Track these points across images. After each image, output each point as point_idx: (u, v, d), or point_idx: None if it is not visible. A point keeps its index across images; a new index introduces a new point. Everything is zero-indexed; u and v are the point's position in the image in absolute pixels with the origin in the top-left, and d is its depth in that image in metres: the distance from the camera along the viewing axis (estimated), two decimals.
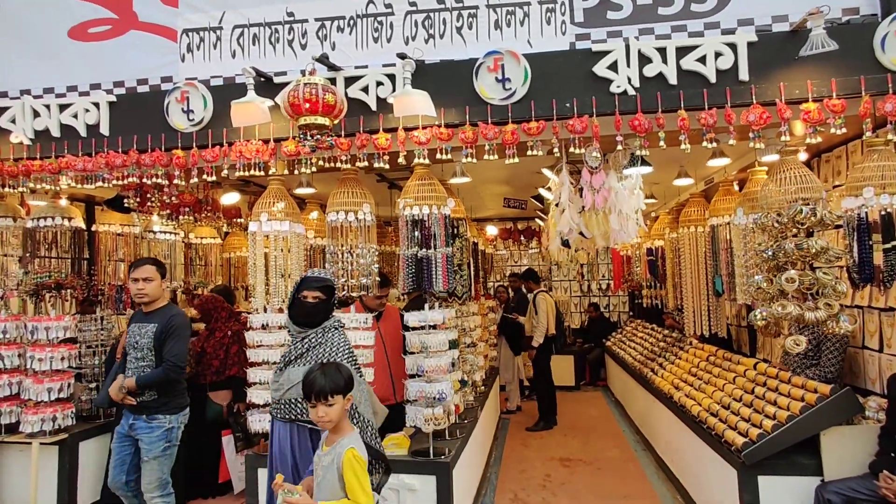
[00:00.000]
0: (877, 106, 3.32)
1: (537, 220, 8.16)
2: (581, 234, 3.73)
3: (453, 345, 3.98)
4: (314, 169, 3.74)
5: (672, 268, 5.75)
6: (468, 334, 5.03)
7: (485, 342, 5.95)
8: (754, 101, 3.41)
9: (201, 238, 6.43)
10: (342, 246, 3.76)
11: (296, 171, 3.87)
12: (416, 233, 3.67)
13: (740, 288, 4.01)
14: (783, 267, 3.36)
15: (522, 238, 9.23)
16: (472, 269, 4.86)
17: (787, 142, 3.38)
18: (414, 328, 3.66)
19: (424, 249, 3.67)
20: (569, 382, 9.48)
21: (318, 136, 3.26)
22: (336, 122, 3.39)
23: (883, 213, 3.22)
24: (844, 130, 3.32)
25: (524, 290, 7.71)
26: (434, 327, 3.74)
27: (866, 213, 3.26)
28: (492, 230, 8.96)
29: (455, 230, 4.36)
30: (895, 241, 3.19)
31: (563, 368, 9.18)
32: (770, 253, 3.32)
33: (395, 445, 3.70)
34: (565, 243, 3.90)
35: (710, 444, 3.95)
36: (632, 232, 3.54)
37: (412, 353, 3.64)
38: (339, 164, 3.82)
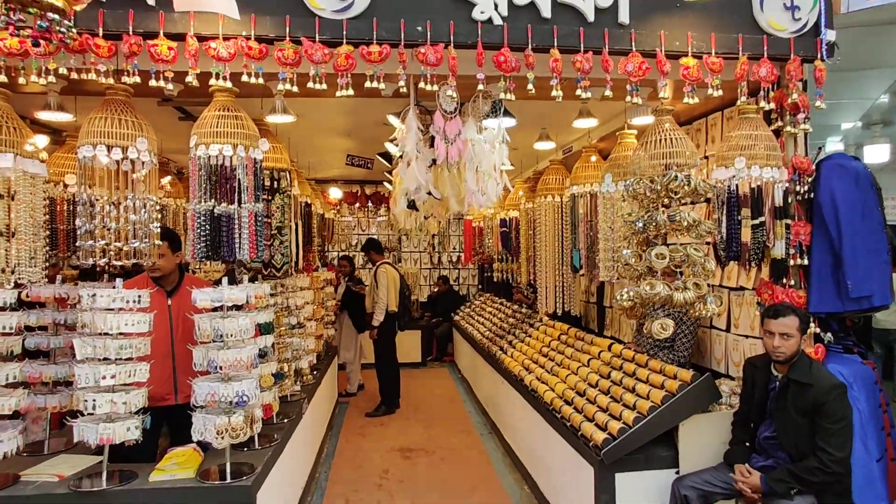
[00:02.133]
0: (752, 70, 3.03)
1: (385, 184, 7.39)
2: (430, 194, 3.03)
3: (266, 329, 3.08)
4: (51, 79, 2.55)
5: (526, 240, 5.36)
6: (293, 313, 4.13)
7: (318, 321, 5.08)
8: (633, 49, 2.94)
9: None
10: (102, 196, 2.64)
11: (22, 81, 2.64)
12: (213, 181, 2.68)
13: (603, 264, 3.63)
14: (652, 241, 2.98)
15: (370, 204, 8.42)
16: (298, 234, 3.95)
17: (664, 99, 2.97)
18: (206, 310, 2.69)
19: (224, 204, 2.70)
20: (415, 359, 9.00)
21: (48, 22, 2.11)
22: (80, 6, 2.25)
23: (753, 186, 2.95)
24: (721, 93, 2.99)
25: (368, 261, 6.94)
26: (238, 308, 2.82)
27: (737, 185, 2.98)
28: (336, 193, 8.00)
29: (275, 183, 3.41)
30: (763, 218, 2.95)
31: (409, 343, 8.64)
32: (641, 224, 2.90)
33: (179, 465, 2.73)
34: (412, 205, 3.19)
35: (565, 437, 3.56)
36: (491, 194, 2.91)
37: (203, 342, 2.69)
38: (98, 78, 2.67)
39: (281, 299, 3.86)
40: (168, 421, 3.31)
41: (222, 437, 2.57)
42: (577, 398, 3.66)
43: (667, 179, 2.80)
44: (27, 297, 2.99)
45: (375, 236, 8.62)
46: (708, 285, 2.98)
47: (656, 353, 3.97)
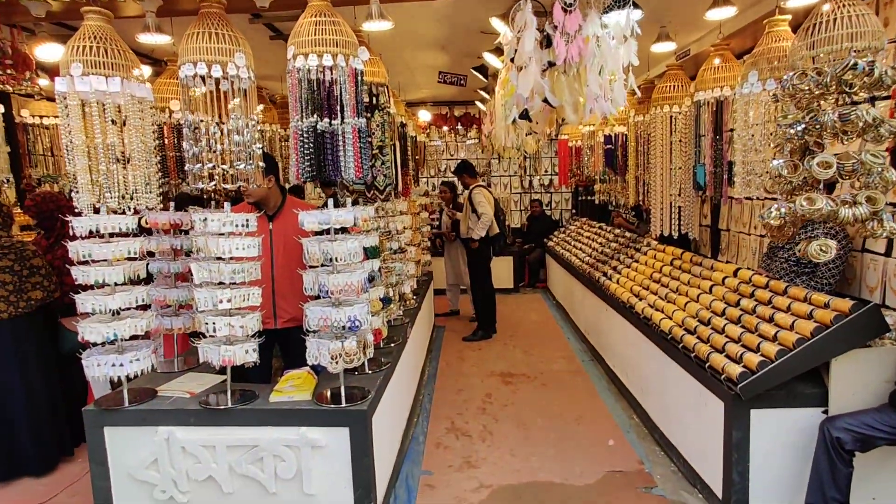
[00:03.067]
0: None
1: (478, 103, 7.01)
2: (546, 101, 2.70)
3: (373, 253, 2.99)
4: None
5: (635, 158, 4.89)
6: (395, 238, 4.04)
7: (416, 246, 5.00)
8: None
9: (39, 116, 4.88)
10: (205, 118, 2.55)
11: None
12: (315, 95, 2.51)
13: (741, 178, 3.17)
14: (811, 149, 2.51)
15: (459, 126, 8.10)
16: (397, 154, 3.77)
17: None
18: (315, 233, 2.61)
19: (327, 120, 2.53)
20: (507, 284, 8.89)
21: None
22: None
23: None
24: None
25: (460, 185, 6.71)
26: (344, 231, 2.72)
27: None
28: (424, 116, 7.72)
29: (374, 99, 3.21)
30: None
31: (502, 270, 8.52)
32: (800, 128, 2.44)
33: (296, 387, 2.77)
34: (524, 115, 2.87)
35: (687, 368, 3.29)
36: (618, 98, 2.53)
37: (313, 266, 2.62)
38: None
39: (383, 223, 3.75)
40: (278, 343, 3.38)
41: (336, 362, 2.54)
42: (702, 328, 3.34)
43: (840, 69, 2.29)
44: (146, 223, 3.06)
45: (464, 159, 8.35)
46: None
47: (792, 280, 3.53)
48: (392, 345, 3.60)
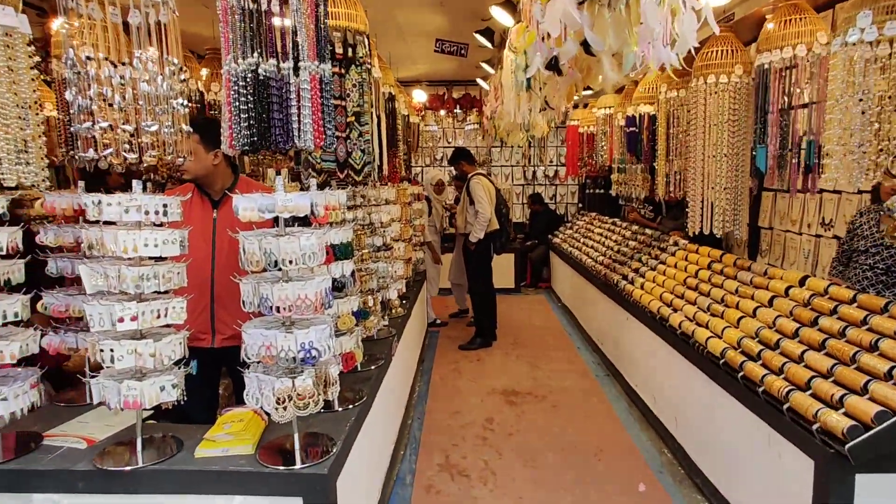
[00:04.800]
0: None
1: (479, 81, 6.24)
2: (585, 47, 1.94)
3: (344, 252, 2.23)
4: None
5: (665, 142, 4.14)
6: (378, 232, 3.28)
7: (406, 241, 4.24)
8: None
9: None
10: (94, 56, 1.78)
11: None
12: (254, 26, 1.74)
13: (837, 158, 2.38)
14: None
15: (458, 109, 7.32)
16: (382, 129, 3.01)
17: None
18: (255, 225, 1.85)
19: (273, 62, 1.77)
20: (508, 284, 8.16)
21: None
22: None
23: None
24: None
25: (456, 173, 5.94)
26: (303, 222, 1.96)
27: None
28: (419, 96, 6.94)
29: (349, 50, 2.44)
30: None
31: (502, 268, 7.78)
32: None
33: (234, 435, 2.01)
34: (552, 65, 2.10)
35: (751, 406, 2.56)
36: (688, 36, 1.76)
37: (255, 272, 1.87)
38: None
39: (362, 214, 2.99)
40: (226, 363, 2.63)
41: (285, 408, 1.78)
42: (768, 353, 2.60)
43: None
44: (42, 207, 2.29)
45: (460, 146, 7.57)
46: None
47: (880, 294, 2.80)
48: (372, 367, 2.85)
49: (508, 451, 3.57)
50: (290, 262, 1.77)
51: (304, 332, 1.80)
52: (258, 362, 1.84)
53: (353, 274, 2.35)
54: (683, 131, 3.84)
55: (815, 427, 2.09)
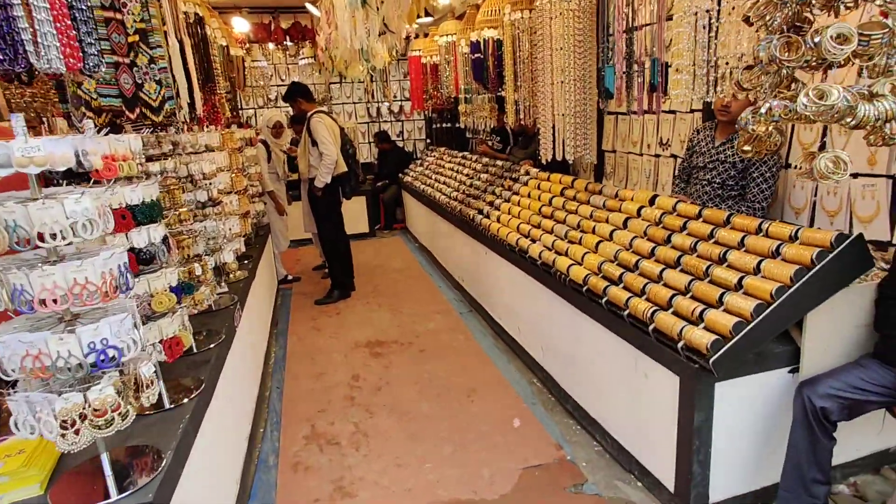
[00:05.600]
0: None
1: (308, 6, 5.55)
2: None
3: (147, 214, 1.73)
4: None
5: (512, 68, 3.98)
6: (201, 186, 2.72)
7: (240, 194, 3.67)
8: None
9: None
10: None
11: None
12: None
13: (683, 71, 2.32)
14: (797, 25, 1.75)
15: (288, 40, 6.53)
16: (187, 59, 2.41)
17: None
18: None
19: None
20: (362, 229, 7.81)
21: None
22: None
23: None
24: None
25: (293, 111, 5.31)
26: (84, 180, 1.43)
27: None
28: (241, 25, 6.02)
29: None
30: None
31: (354, 212, 7.41)
32: None
33: (12, 475, 1.49)
34: None
35: (616, 330, 2.57)
36: None
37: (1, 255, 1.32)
38: None
39: (173, 164, 2.41)
40: None
41: (76, 431, 1.32)
42: (629, 276, 2.61)
43: None
44: None
45: (295, 81, 6.83)
46: None
47: (717, 206, 2.95)
48: (212, 345, 2.39)
49: (379, 407, 3.36)
50: (54, 235, 1.26)
51: (93, 328, 1.33)
52: (20, 379, 1.34)
53: (165, 240, 1.85)
54: (529, 56, 3.69)
55: (679, 345, 2.11)
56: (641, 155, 4.16)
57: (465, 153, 6.44)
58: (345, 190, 5.23)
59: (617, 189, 3.36)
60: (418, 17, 3.62)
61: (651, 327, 2.28)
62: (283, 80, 8.15)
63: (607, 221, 3.15)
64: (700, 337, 2.03)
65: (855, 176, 2.64)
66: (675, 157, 3.83)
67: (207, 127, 3.15)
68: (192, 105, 2.48)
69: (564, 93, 3.33)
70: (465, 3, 4.88)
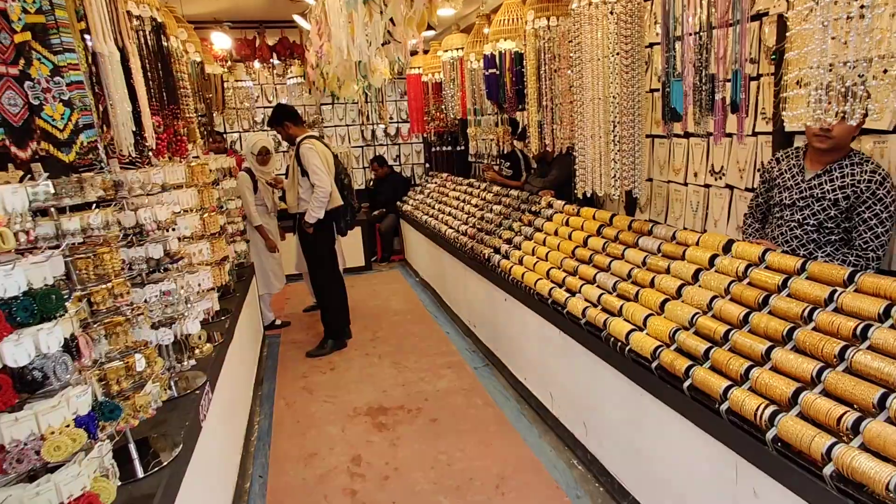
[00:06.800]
0: None
1: (297, 19, 4.98)
2: None
3: (42, 308, 1.08)
4: None
5: (536, 83, 3.40)
6: (157, 238, 2.07)
7: (215, 236, 3.02)
8: None
9: None
10: None
11: None
12: None
13: (813, 83, 1.69)
14: None
15: (276, 58, 5.95)
16: (132, 72, 1.79)
17: None
18: None
19: None
20: (357, 262, 7.17)
21: None
22: None
23: None
24: None
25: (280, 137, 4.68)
26: None
27: None
28: (222, 41, 5.43)
29: None
30: None
31: (349, 245, 6.75)
32: None
33: None
34: None
35: (702, 426, 1.93)
36: None
37: None
38: None
39: (103, 218, 1.75)
40: None
41: None
42: (718, 352, 1.98)
43: None
44: None
45: (281, 103, 6.22)
46: None
47: (811, 255, 2.34)
48: (163, 462, 1.73)
49: None
50: None
51: None
52: None
53: (70, 343, 1.20)
54: (563, 68, 3.11)
55: (827, 471, 1.47)
56: (686, 185, 3.57)
57: (472, 180, 5.85)
58: (339, 226, 4.60)
59: (674, 230, 2.75)
60: (429, 27, 3.03)
61: (771, 434, 1.65)
62: (270, 102, 7.56)
63: (668, 272, 2.53)
64: (872, 469, 1.39)
65: None
66: (730, 187, 3.24)
67: (163, 159, 2.52)
68: (137, 135, 1.86)
69: (608, 113, 2.73)
70: (477, 13, 4.32)
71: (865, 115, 1.65)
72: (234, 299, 3.48)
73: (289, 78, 6.48)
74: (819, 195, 2.30)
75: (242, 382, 3.38)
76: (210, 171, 3.15)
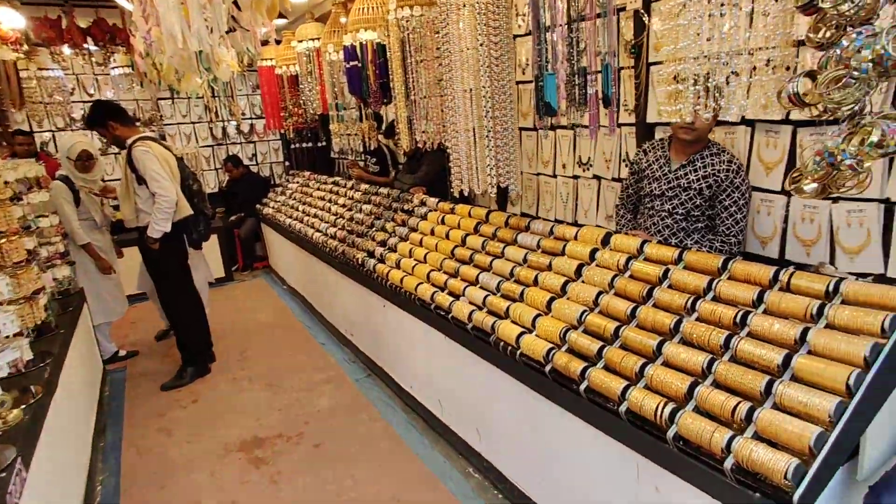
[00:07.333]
0: None
1: (119, 1, 4.27)
2: None
3: None
4: None
5: (402, 76, 3.20)
6: None
7: (20, 266, 2.43)
8: None
9: None
10: None
11: None
12: None
13: (672, 94, 1.64)
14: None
15: (91, 43, 5.09)
16: None
17: None
18: None
19: None
20: (217, 274, 6.47)
21: None
22: None
23: None
24: None
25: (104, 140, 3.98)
26: None
27: None
28: (12, 19, 4.45)
29: None
30: None
31: (206, 255, 6.07)
32: None
33: None
34: None
35: (602, 428, 1.89)
36: None
37: None
38: None
39: None
40: None
41: None
42: (611, 351, 1.94)
43: None
44: None
45: (101, 100, 5.35)
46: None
47: (682, 242, 2.43)
48: None
49: None
50: None
51: None
52: None
53: None
54: (429, 59, 2.94)
55: (727, 465, 1.47)
56: (555, 176, 3.61)
57: (337, 178, 5.53)
58: (192, 238, 4.05)
59: (552, 224, 2.72)
60: (281, 15, 2.69)
61: (672, 433, 1.63)
62: (91, 95, 6.54)
63: (550, 269, 2.49)
64: (769, 459, 1.40)
65: (835, 200, 2.25)
66: (597, 178, 3.32)
67: None
68: None
69: (480, 108, 2.62)
70: (332, 1, 4.00)
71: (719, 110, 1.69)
72: (58, 338, 2.87)
73: (112, 68, 5.60)
74: (685, 185, 2.38)
75: (74, 439, 2.80)
76: (5, 183, 2.53)
